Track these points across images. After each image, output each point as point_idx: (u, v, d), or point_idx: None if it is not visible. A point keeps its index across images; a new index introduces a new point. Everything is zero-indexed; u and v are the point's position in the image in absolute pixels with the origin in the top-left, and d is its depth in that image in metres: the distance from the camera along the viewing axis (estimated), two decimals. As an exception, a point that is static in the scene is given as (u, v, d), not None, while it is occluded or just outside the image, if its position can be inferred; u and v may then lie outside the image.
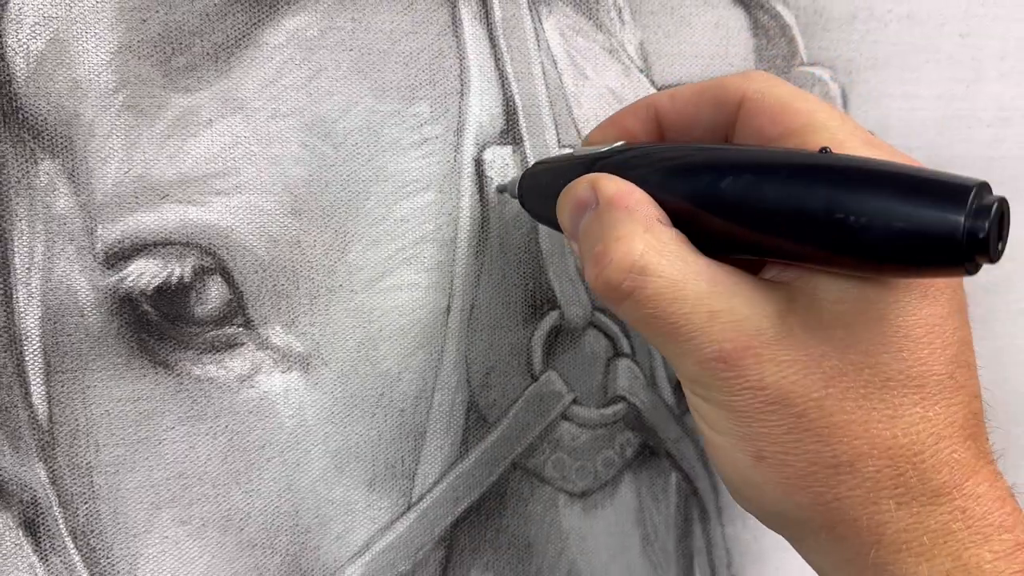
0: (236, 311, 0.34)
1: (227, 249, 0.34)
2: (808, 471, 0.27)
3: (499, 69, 0.37)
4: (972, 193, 0.23)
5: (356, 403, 0.37)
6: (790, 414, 0.27)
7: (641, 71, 0.41)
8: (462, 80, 0.37)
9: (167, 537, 0.34)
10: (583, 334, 0.41)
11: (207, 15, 0.32)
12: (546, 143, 0.38)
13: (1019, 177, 0.52)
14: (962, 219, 0.23)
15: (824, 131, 0.28)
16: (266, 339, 0.35)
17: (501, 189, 0.37)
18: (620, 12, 0.40)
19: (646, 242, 0.27)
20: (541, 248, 0.39)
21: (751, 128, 0.30)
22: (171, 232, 0.33)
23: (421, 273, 0.37)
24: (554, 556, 0.41)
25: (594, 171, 0.31)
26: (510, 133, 0.38)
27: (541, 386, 0.40)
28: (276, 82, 0.34)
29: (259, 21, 0.33)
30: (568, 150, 0.39)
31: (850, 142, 0.28)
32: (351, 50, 0.35)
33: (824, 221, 0.25)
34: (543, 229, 0.39)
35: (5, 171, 0.31)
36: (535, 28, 0.38)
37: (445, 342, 0.38)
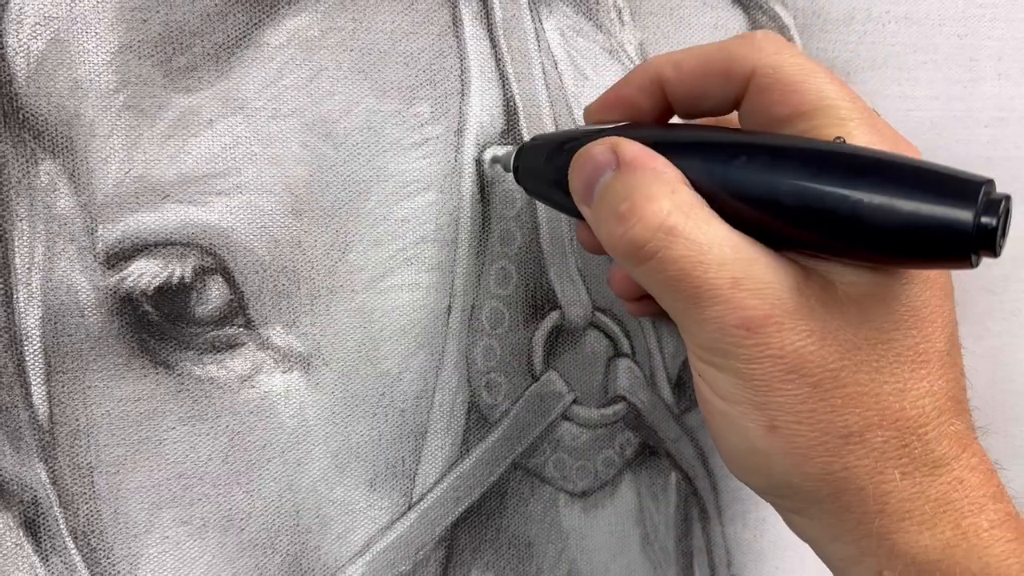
0: (237, 311, 0.34)
1: (228, 249, 0.34)
2: (820, 440, 0.27)
3: (500, 69, 0.37)
4: (983, 188, 0.24)
5: (357, 403, 0.37)
6: (806, 383, 0.27)
7: None
8: (463, 80, 0.37)
9: (168, 537, 0.34)
10: (584, 334, 0.41)
11: (208, 15, 0.32)
12: None
13: (1017, 178, 0.52)
14: (972, 214, 0.23)
15: (835, 114, 0.28)
16: (267, 339, 0.35)
17: (495, 160, 0.37)
18: (620, 13, 0.40)
19: (674, 202, 0.27)
20: (542, 248, 0.39)
21: (760, 104, 0.29)
22: (172, 232, 0.33)
23: (422, 273, 0.37)
24: (554, 556, 0.41)
25: None
26: (511, 133, 0.38)
27: (542, 386, 0.40)
28: (277, 82, 0.34)
29: (260, 21, 0.33)
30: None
31: (859, 127, 0.28)
32: (352, 50, 0.35)
33: (838, 213, 0.25)
34: (544, 230, 0.39)
35: (6, 171, 0.31)
36: (535, 28, 0.38)
37: (446, 342, 0.38)
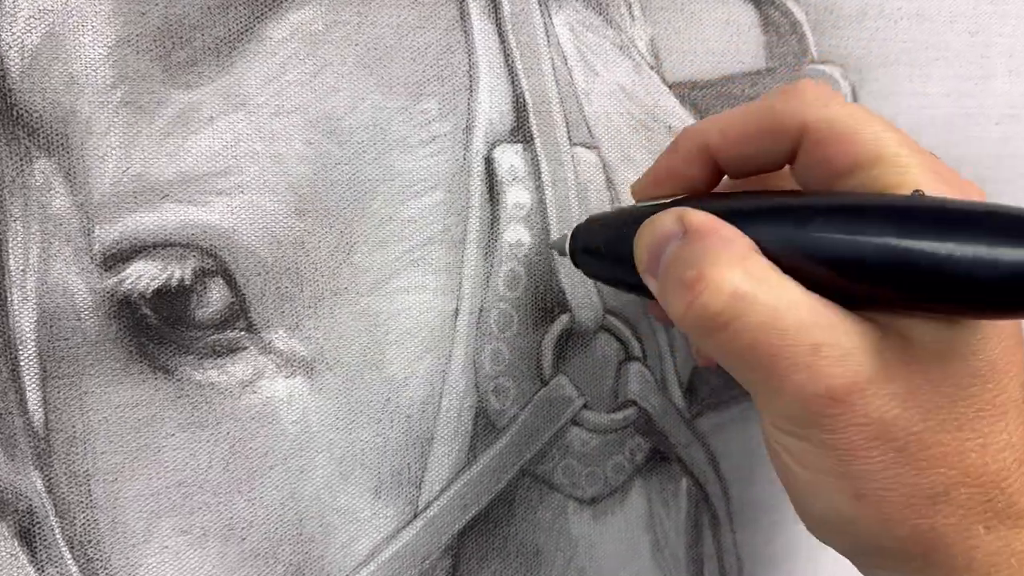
0: (238, 314, 0.34)
1: (229, 250, 0.33)
2: (908, 504, 0.27)
3: (508, 65, 0.37)
4: None
5: (361, 409, 0.36)
6: (891, 448, 0.27)
7: (652, 68, 0.41)
8: (471, 76, 0.36)
9: (167, 547, 0.34)
10: (594, 338, 0.40)
11: (208, 8, 0.32)
12: (556, 141, 0.38)
13: (1029, 175, 0.52)
14: None
15: (896, 162, 0.27)
16: (269, 343, 0.35)
17: (551, 247, 0.37)
18: (630, 8, 0.40)
19: (744, 268, 0.27)
20: (553, 250, 0.39)
21: (817, 158, 0.29)
22: (171, 233, 0.33)
23: (429, 275, 0.37)
24: (563, 564, 0.41)
25: None
26: (520, 131, 0.37)
27: (551, 391, 0.39)
28: (280, 78, 0.33)
29: (262, 15, 0.33)
30: (580, 148, 0.39)
31: (923, 174, 0.27)
32: (357, 45, 0.34)
33: (931, 269, 0.24)
34: (555, 230, 0.38)
35: (-1, 170, 0.31)
36: (545, 23, 0.38)
37: (453, 346, 0.37)
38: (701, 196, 0.32)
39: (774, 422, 0.28)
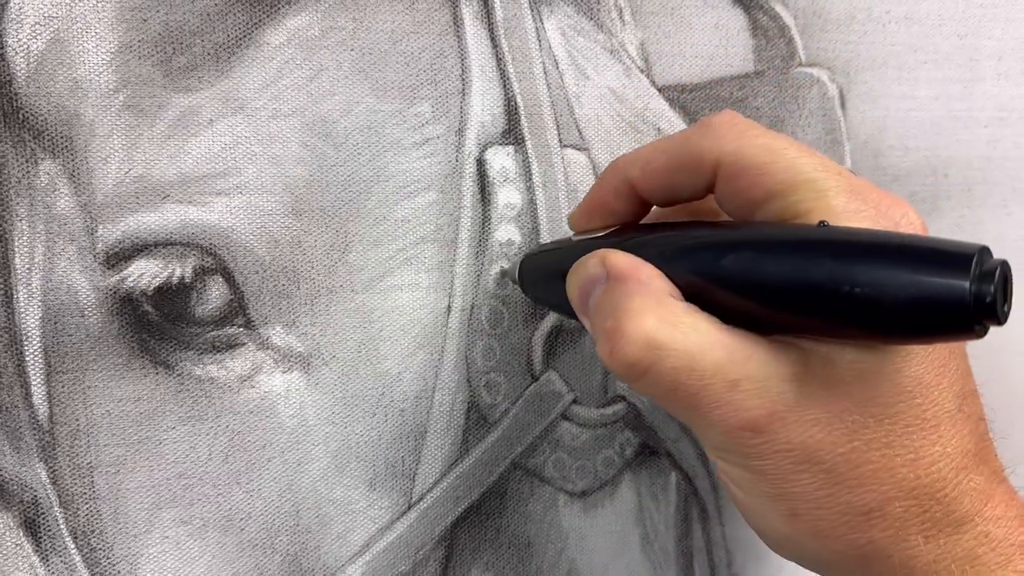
0: (237, 311, 0.34)
1: (228, 249, 0.33)
2: (841, 521, 0.28)
3: (500, 69, 0.37)
4: (975, 258, 0.23)
5: (357, 403, 0.37)
6: (820, 470, 0.27)
7: (642, 71, 0.41)
8: (463, 80, 0.37)
9: (168, 537, 0.34)
10: (583, 334, 0.40)
11: (208, 15, 0.32)
12: (547, 143, 0.38)
13: (1016, 178, 0.52)
14: (967, 284, 0.23)
15: (812, 187, 0.28)
16: (267, 339, 0.35)
17: (503, 274, 0.38)
18: (621, 12, 0.40)
19: (659, 315, 0.27)
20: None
21: (732, 190, 0.29)
22: (172, 232, 0.33)
23: (422, 273, 0.37)
24: (554, 555, 0.41)
25: None
26: (512, 133, 0.38)
27: (541, 386, 0.40)
28: (277, 82, 0.34)
29: (260, 21, 0.33)
30: (570, 150, 0.39)
31: (838, 196, 0.27)
32: (352, 50, 0.35)
33: (831, 297, 0.25)
34: (544, 230, 0.38)
35: (5, 171, 0.31)
36: (536, 28, 0.38)
37: (445, 342, 0.38)
38: (630, 227, 0.32)
39: (709, 450, 0.29)
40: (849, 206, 0.27)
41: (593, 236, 0.33)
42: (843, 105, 0.47)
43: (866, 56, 0.47)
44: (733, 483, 0.29)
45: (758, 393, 0.27)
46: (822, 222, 0.27)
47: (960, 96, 0.50)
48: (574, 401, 0.40)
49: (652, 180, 0.31)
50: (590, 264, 0.30)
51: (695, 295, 0.28)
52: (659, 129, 0.42)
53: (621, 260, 0.29)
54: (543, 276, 0.35)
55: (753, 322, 0.27)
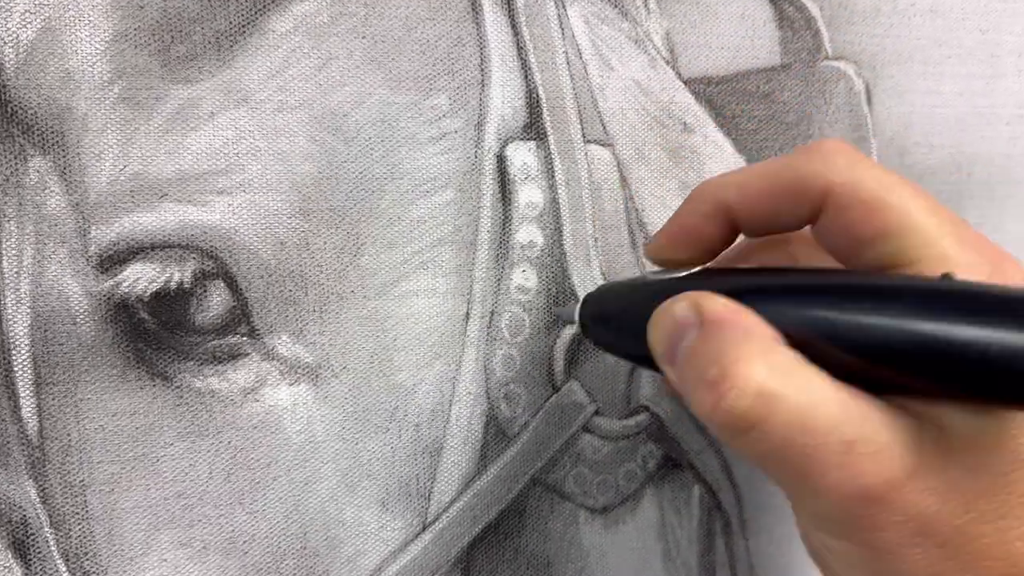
0: (240, 319, 0.34)
1: (230, 252, 0.33)
2: None
3: (521, 59, 0.37)
4: None
5: (368, 417, 0.36)
6: (933, 544, 0.26)
7: (667, 63, 0.41)
8: (483, 70, 0.36)
9: (166, 560, 0.34)
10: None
11: (208, 1, 0.32)
12: (571, 138, 0.38)
13: (1037, 175, 0.53)
14: None
15: (924, 233, 0.27)
16: (272, 349, 0.34)
17: (558, 314, 0.37)
18: (646, 1, 0.40)
19: (770, 364, 0.25)
20: (565, 251, 0.38)
21: (840, 224, 0.28)
22: (170, 234, 0.32)
23: (438, 278, 0.36)
24: (574, 575, 0.40)
25: None
26: (533, 127, 0.37)
27: (562, 397, 0.39)
28: (283, 72, 0.33)
29: (264, 7, 0.33)
30: (594, 145, 0.38)
31: (952, 246, 0.27)
32: (364, 38, 0.34)
33: (965, 360, 0.24)
34: (567, 232, 0.38)
35: (-9, 168, 0.31)
36: (559, 15, 0.38)
37: (463, 351, 0.37)
38: (718, 271, 0.31)
39: (811, 522, 0.28)
40: (962, 257, 0.27)
41: (670, 276, 0.31)
42: (869, 100, 0.47)
43: (892, 50, 0.47)
44: (835, 558, 0.28)
45: (875, 458, 0.25)
46: (945, 275, 0.26)
47: (983, 92, 0.50)
48: (596, 412, 0.40)
49: (750, 204, 0.30)
50: (678, 308, 0.28)
51: (799, 348, 0.26)
52: (685, 124, 0.41)
53: (718, 304, 0.27)
54: (616, 314, 0.33)
55: (866, 381, 0.26)
